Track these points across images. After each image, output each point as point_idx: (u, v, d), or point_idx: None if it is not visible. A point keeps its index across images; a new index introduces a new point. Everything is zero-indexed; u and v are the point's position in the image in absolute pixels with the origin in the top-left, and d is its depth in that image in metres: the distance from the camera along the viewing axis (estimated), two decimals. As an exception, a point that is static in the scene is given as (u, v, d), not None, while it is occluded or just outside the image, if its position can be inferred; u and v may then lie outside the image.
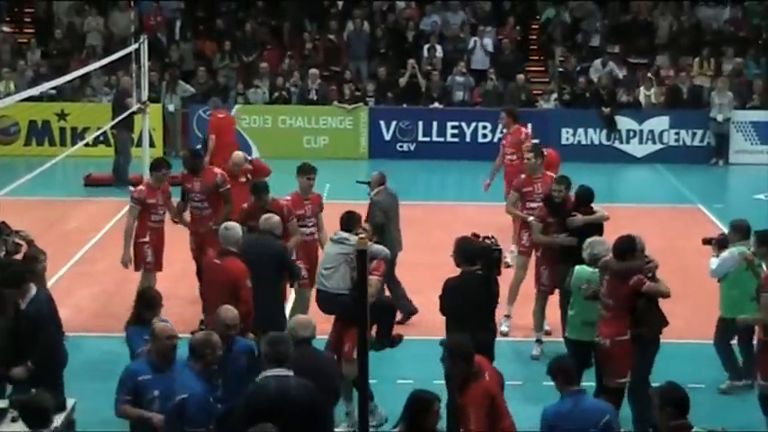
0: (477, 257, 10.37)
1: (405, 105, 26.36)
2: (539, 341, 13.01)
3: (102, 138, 24.24)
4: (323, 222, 13.13)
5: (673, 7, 28.83)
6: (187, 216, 13.87)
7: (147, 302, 9.53)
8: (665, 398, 7.62)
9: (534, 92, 26.95)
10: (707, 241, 12.11)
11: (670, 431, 7.50)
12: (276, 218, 11.48)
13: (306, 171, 13.03)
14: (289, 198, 12.94)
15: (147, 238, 13.34)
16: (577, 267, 11.03)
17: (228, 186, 13.64)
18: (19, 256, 10.98)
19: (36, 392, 8.21)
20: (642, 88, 26.42)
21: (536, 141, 18.34)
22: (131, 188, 13.63)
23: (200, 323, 11.60)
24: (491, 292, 10.38)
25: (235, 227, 11.00)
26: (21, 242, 11.03)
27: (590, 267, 10.86)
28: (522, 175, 14.09)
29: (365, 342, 8.50)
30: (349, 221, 11.20)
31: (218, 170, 14.02)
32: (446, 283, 10.41)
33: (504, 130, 17.75)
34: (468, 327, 9.49)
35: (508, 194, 16.13)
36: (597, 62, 27.19)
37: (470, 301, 10.13)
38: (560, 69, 27.50)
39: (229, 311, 8.96)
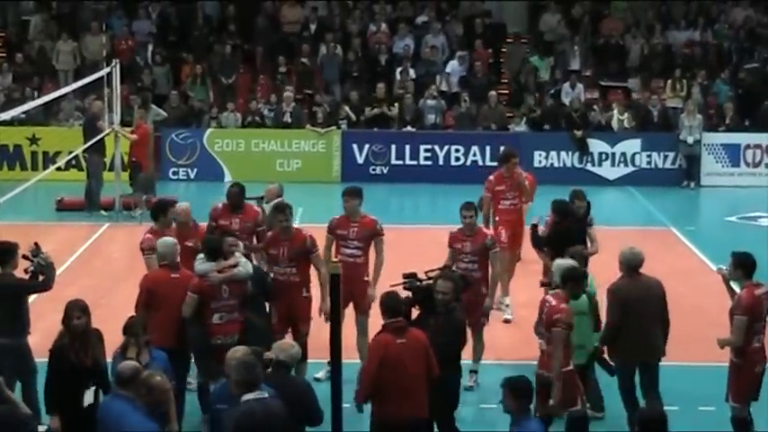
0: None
1: (375, 129, 26.40)
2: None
3: (74, 162, 24.16)
4: (381, 247, 12.66)
5: (644, 31, 29.05)
6: None
7: (124, 328, 9.49)
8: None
9: (506, 114, 27.04)
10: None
11: None
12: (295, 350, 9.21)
13: (346, 193, 12.72)
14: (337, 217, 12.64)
15: None
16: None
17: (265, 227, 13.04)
18: (42, 278, 10.84)
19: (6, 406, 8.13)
20: (615, 111, 26.58)
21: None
22: (145, 234, 12.55)
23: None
24: None
25: (167, 242, 11.18)
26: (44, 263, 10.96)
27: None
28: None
29: (339, 363, 8.51)
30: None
31: (258, 207, 13.49)
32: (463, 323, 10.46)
33: (504, 173, 15.52)
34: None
35: (512, 247, 15.27)
36: (566, 85, 27.35)
37: None
38: (535, 94, 27.66)
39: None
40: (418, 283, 10.27)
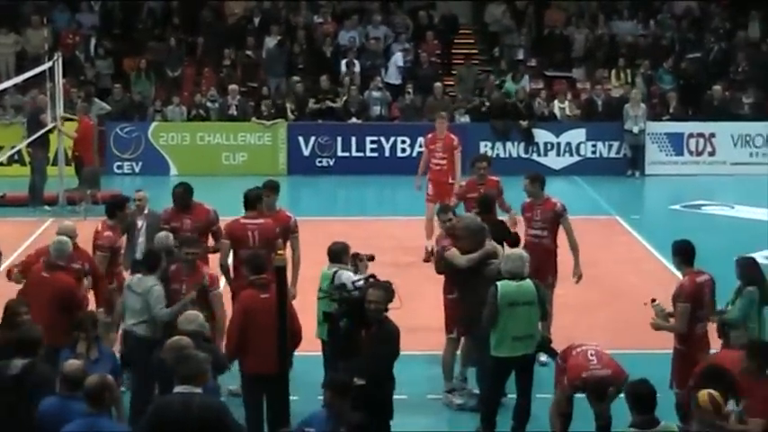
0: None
1: (320, 121, 26.31)
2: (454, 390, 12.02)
3: (16, 157, 23.88)
4: (296, 244, 12.27)
5: (588, 21, 29.21)
6: None
7: (75, 324, 9.41)
8: (630, 392, 8.18)
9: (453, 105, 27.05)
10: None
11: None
12: (200, 318, 9.69)
13: (265, 188, 12.35)
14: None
15: (114, 285, 11.96)
16: (501, 283, 10.64)
17: (219, 224, 12.43)
18: None
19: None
20: (557, 101, 26.72)
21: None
22: (105, 233, 12.21)
23: None
24: None
25: (67, 242, 10.95)
26: None
27: (513, 281, 10.66)
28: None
29: (284, 356, 8.50)
30: None
31: (209, 206, 12.65)
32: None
33: (476, 180, 15.03)
34: None
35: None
36: (510, 76, 27.41)
37: None
38: (478, 80, 27.67)
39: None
40: (347, 294, 9.87)
